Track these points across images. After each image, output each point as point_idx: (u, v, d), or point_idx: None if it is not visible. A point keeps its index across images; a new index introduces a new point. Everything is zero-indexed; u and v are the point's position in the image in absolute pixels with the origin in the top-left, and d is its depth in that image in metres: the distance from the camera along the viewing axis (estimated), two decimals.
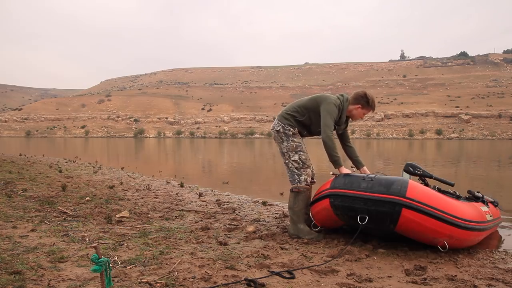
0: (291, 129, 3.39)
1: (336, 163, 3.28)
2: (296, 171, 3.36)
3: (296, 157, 3.35)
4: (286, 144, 3.39)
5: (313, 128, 3.44)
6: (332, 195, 3.05)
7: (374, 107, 3.43)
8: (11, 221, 3.56)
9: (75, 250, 2.74)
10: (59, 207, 4.29)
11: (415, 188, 2.82)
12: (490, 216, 3.24)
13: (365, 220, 2.83)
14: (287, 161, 3.40)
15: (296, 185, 3.35)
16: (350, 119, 3.56)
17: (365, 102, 3.39)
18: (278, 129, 3.43)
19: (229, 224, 3.81)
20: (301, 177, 3.35)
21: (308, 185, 3.38)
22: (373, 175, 3.02)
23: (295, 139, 3.38)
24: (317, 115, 3.33)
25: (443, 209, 2.74)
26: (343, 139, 3.59)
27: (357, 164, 3.53)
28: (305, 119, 3.40)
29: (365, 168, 3.50)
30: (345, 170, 3.24)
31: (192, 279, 2.22)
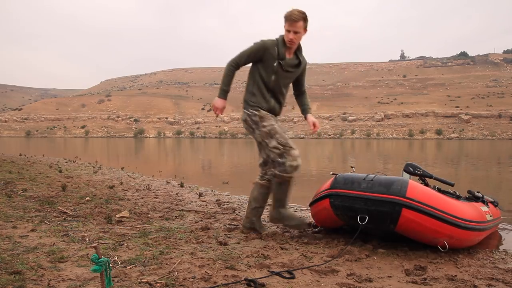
0: (256, 112, 3.04)
1: (220, 91, 3.12)
2: (279, 159, 2.96)
3: (273, 143, 2.95)
4: (258, 132, 3.03)
5: (279, 96, 3.12)
6: (332, 195, 3.00)
7: (288, 15, 2.90)
8: (11, 221, 3.56)
9: (75, 250, 2.73)
10: (59, 207, 4.29)
11: (415, 188, 2.81)
12: (490, 216, 3.24)
13: (365, 220, 2.81)
14: (267, 151, 3.02)
15: (280, 173, 2.98)
16: (299, 56, 3.11)
17: (285, 16, 2.95)
18: (244, 118, 3.13)
19: (229, 224, 3.81)
20: (286, 164, 2.97)
21: (294, 172, 3.01)
22: (373, 175, 3.00)
23: (264, 123, 3.00)
24: (262, 70, 3.01)
25: (443, 209, 2.74)
26: (297, 87, 3.35)
27: (304, 112, 3.35)
28: (259, 87, 3.07)
29: (310, 115, 3.30)
30: (218, 101, 3.08)
31: (192, 279, 2.22)
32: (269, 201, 3.42)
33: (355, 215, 2.87)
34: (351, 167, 3.48)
